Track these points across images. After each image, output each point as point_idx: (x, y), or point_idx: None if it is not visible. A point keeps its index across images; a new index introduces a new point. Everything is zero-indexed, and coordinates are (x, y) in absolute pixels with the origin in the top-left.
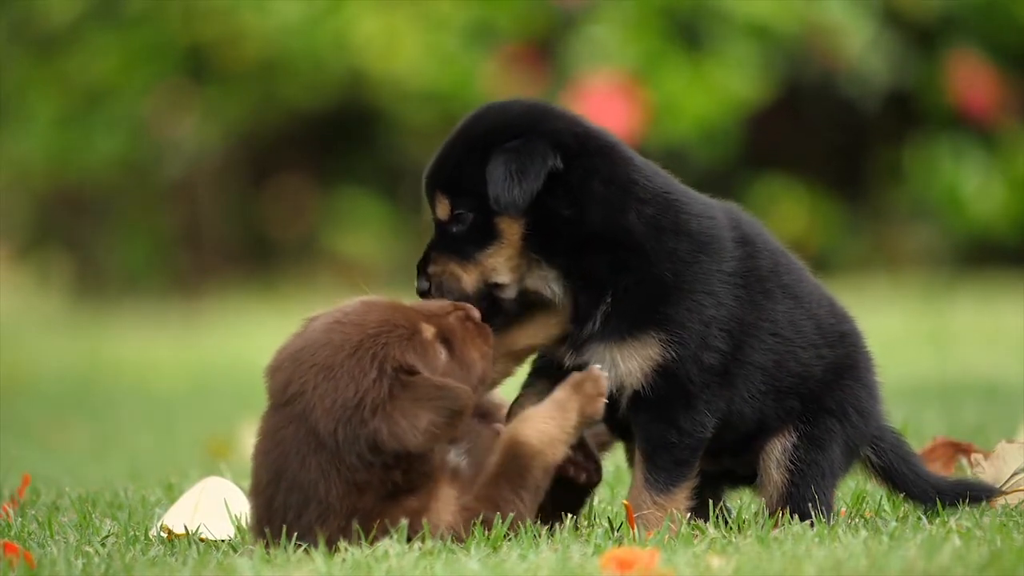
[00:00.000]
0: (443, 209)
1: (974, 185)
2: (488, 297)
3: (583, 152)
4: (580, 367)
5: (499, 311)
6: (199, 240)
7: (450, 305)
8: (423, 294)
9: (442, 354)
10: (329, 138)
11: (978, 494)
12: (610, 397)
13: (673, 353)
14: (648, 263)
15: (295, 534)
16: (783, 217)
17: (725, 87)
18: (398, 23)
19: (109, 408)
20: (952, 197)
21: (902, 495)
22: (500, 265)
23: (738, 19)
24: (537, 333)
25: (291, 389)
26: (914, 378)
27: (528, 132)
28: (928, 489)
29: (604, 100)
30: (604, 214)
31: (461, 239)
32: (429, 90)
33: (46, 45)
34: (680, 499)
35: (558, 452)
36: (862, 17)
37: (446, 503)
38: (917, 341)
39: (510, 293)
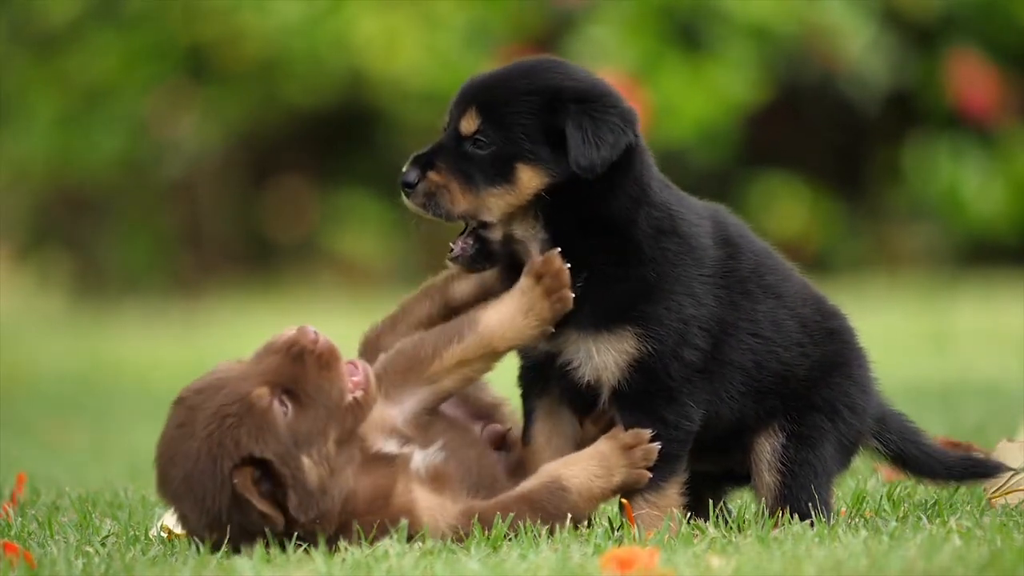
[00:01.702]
0: (469, 124)
1: (974, 185)
2: (480, 240)
3: (635, 142)
4: (554, 355)
5: (488, 255)
6: (199, 240)
7: (283, 344)
8: (407, 185)
9: (287, 410)
10: (329, 138)
11: (984, 471)
12: (588, 390)
13: (649, 348)
14: (639, 261)
15: (294, 535)
16: (783, 218)
17: (724, 88)
18: (398, 23)
19: (109, 408)
20: (952, 197)
21: (915, 474)
22: (498, 208)
23: (737, 20)
24: (517, 337)
25: (167, 498)
26: (914, 378)
27: (601, 101)
28: (937, 466)
29: None
30: (621, 206)
31: (474, 163)
32: (429, 90)
33: (46, 45)
34: (672, 495)
35: (590, 510)
36: (861, 17)
37: (438, 511)
38: (917, 341)
39: (494, 235)
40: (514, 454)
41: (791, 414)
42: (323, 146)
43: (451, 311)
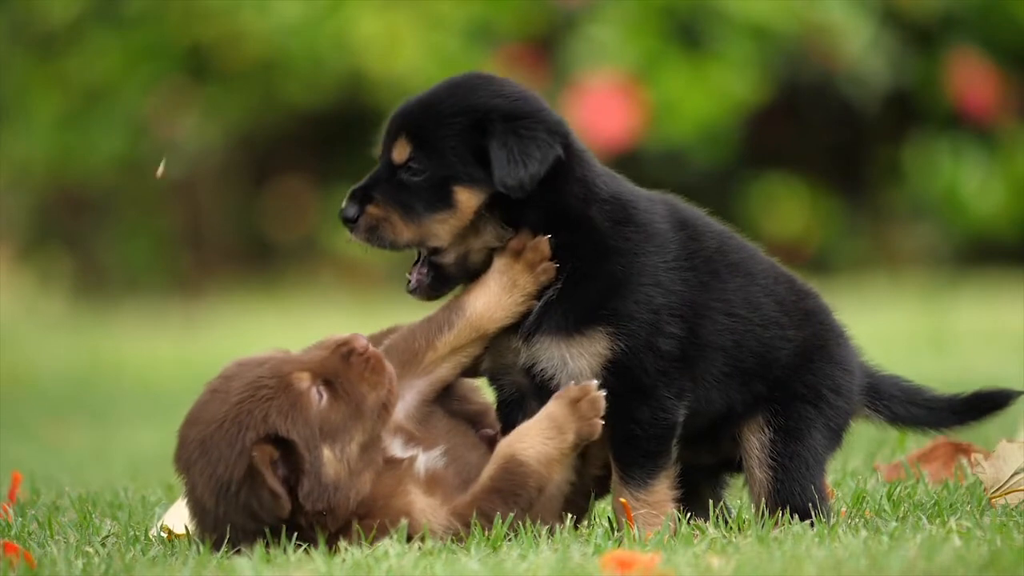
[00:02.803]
0: (400, 153)
1: (974, 184)
2: (434, 267)
3: (567, 148)
4: (532, 367)
5: (446, 279)
6: (199, 240)
7: (333, 343)
8: (348, 221)
9: (321, 399)
10: (329, 138)
11: (997, 401)
12: None
13: (622, 346)
14: (603, 255)
15: (294, 535)
16: (783, 217)
17: (724, 87)
18: (398, 23)
19: (109, 408)
20: (952, 196)
21: (925, 429)
22: (444, 232)
23: (737, 19)
24: (506, 315)
25: (180, 464)
26: (914, 378)
27: (527, 116)
28: (947, 416)
29: (604, 100)
30: (571, 208)
31: (411, 191)
32: None
33: (46, 45)
34: (661, 490)
35: (554, 473)
36: (861, 17)
37: (430, 512)
38: (917, 341)
39: (447, 258)
40: None
41: (776, 407)
42: (323, 146)
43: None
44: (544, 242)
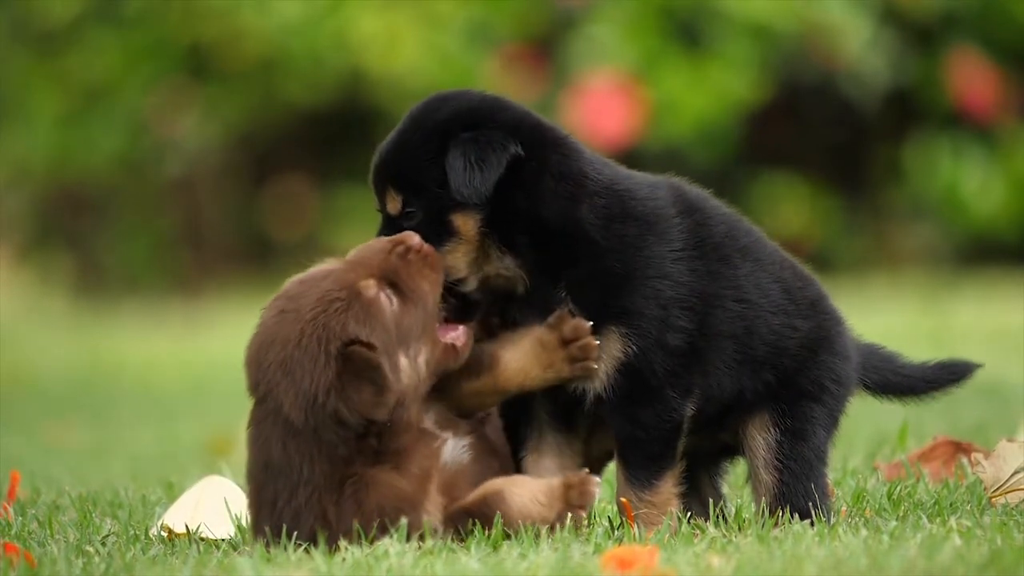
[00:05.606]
0: (393, 204)
1: (974, 183)
2: (456, 296)
3: (538, 144)
4: None
5: (472, 305)
6: (199, 239)
7: (387, 243)
8: None
9: (392, 302)
10: (329, 137)
11: (961, 371)
12: (575, 393)
13: (634, 346)
14: (600, 255)
15: (292, 524)
16: (783, 216)
17: (724, 86)
18: (398, 22)
19: (109, 408)
20: (952, 195)
21: (900, 397)
22: (458, 261)
23: (737, 19)
24: (532, 385)
25: (261, 389)
26: None
27: (484, 122)
28: (918, 384)
29: (603, 100)
30: (558, 207)
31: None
32: (429, 89)
33: (47, 44)
34: (666, 489)
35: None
36: (861, 16)
37: (434, 511)
38: (917, 340)
39: (470, 286)
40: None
41: (783, 406)
42: (323, 145)
43: None
44: (594, 345)
